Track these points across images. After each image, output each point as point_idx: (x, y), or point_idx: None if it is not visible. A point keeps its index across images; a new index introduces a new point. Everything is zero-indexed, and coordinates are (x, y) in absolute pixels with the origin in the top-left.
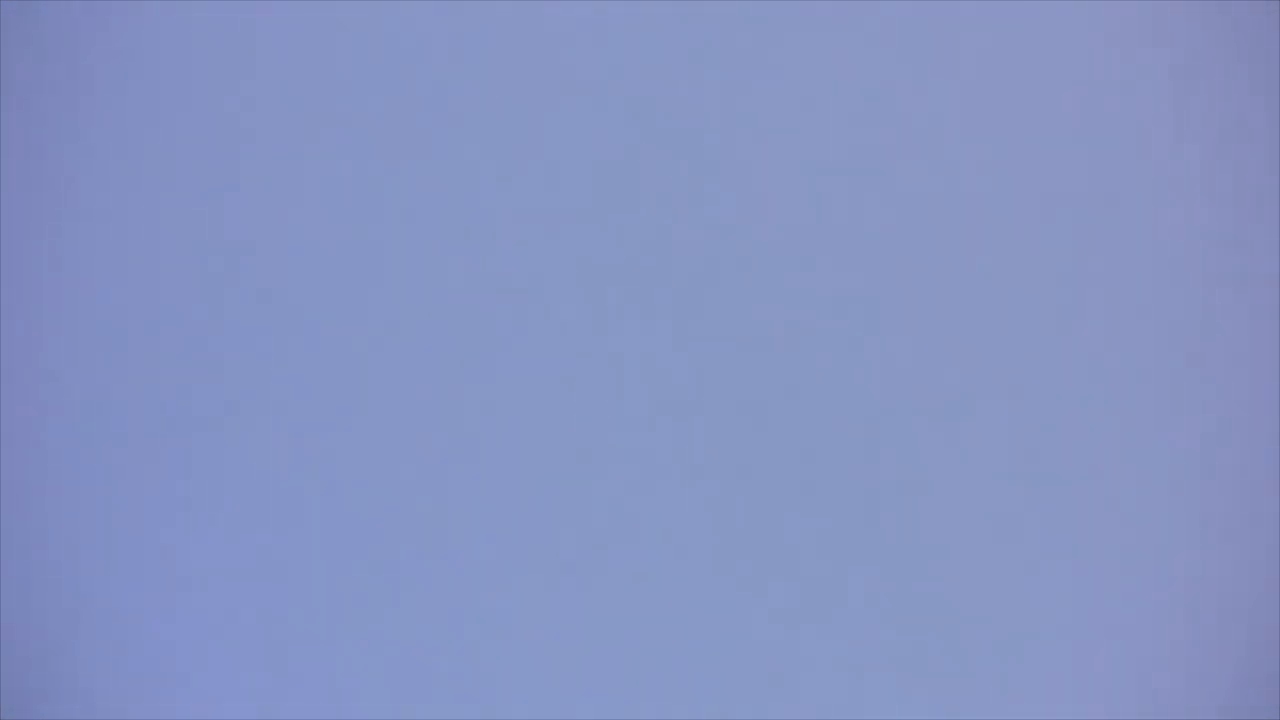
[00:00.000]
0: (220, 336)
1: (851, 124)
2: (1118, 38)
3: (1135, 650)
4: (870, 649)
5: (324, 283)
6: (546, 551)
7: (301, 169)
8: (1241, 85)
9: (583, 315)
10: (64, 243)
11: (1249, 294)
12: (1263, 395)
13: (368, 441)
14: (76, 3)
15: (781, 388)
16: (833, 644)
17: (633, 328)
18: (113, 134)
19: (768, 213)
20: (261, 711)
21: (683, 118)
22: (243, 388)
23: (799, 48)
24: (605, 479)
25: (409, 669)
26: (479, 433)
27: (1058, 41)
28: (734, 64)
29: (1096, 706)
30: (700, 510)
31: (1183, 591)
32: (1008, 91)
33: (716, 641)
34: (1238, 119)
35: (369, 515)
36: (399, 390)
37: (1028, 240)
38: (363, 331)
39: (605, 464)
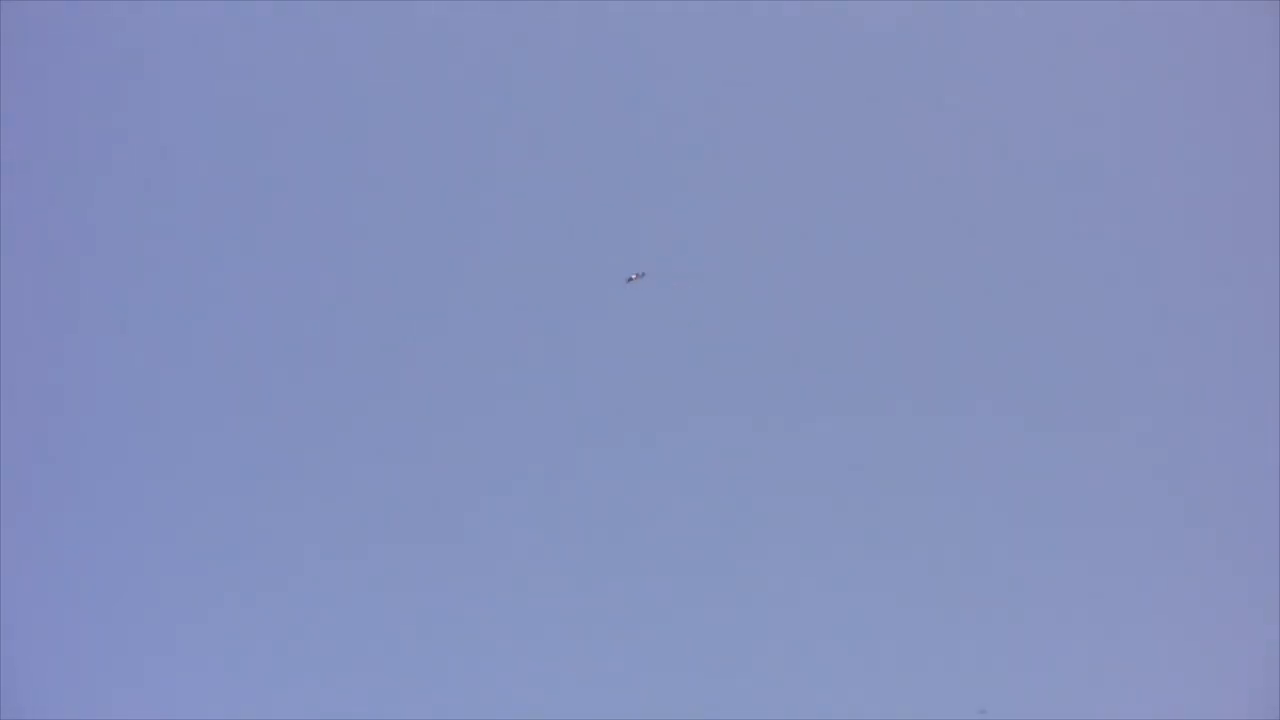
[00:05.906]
0: (217, 342)
1: (851, 128)
2: (1117, 39)
3: (1136, 649)
4: (874, 646)
5: (319, 285)
6: (545, 556)
7: (300, 172)
8: (1241, 85)
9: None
10: (62, 244)
11: (1249, 294)
12: (1263, 394)
13: (364, 446)
14: (77, 3)
15: (779, 377)
16: (841, 644)
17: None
18: (113, 135)
19: (765, 211)
20: (259, 710)
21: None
22: (241, 391)
23: (798, 49)
24: (605, 477)
25: (406, 669)
26: (478, 429)
27: (1057, 42)
28: (729, 66)
29: (1099, 705)
30: (698, 512)
31: (1183, 590)
32: (1006, 94)
33: (714, 641)
34: (1237, 119)
35: (366, 525)
36: (397, 390)
37: (1026, 242)
38: (361, 337)
39: (604, 461)
